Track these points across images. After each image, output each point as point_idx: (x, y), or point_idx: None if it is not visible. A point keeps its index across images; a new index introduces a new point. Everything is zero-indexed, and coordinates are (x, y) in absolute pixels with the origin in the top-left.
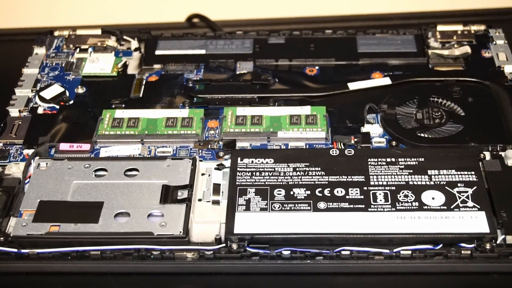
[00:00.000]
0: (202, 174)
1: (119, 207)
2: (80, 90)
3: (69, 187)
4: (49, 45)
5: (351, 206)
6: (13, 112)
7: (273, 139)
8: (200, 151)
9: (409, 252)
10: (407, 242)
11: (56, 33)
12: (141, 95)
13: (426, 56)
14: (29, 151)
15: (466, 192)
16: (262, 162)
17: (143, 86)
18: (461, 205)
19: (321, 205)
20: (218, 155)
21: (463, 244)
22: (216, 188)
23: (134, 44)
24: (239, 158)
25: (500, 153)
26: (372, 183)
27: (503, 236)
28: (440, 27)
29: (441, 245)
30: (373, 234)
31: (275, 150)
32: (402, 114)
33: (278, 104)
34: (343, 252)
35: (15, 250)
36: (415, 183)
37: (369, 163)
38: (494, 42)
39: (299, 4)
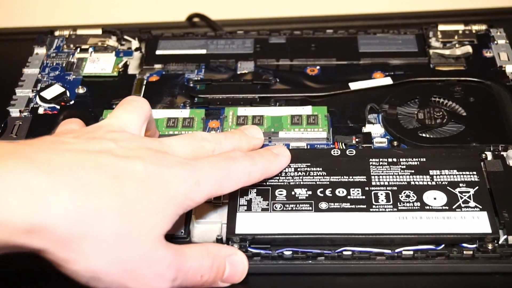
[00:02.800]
0: None
1: None
2: (81, 90)
3: None
4: (49, 45)
5: (353, 206)
6: (14, 112)
7: (274, 139)
8: None
9: (411, 252)
10: (409, 243)
11: (56, 33)
12: (141, 95)
13: (428, 56)
14: None
15: (468, 192)
16: None
17: (144, 86)
18: (463, 205)
19: (323, 205)
20: None
21: (465, 245)
22: None
23: (134, 44)
24: None
25: (501, 153)
26: (373, 183)
27: (505, 236)
28: (441, 27)
29: (443, 246)
30: (375, 235)
31: None
32: (403, 114)
33: (279, 104)
34: (344, 253)
35: None
36: (416, 183)
37: (371, 163)
38: (496, 42)
39: (300, 4)
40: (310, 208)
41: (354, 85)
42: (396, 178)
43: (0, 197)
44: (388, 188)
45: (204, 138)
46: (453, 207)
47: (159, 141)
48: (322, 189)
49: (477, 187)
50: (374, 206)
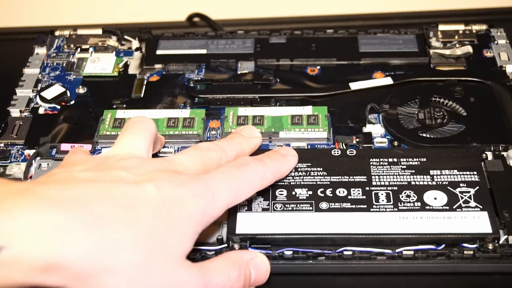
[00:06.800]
0: None
1: None
2: (81, 90)
3: None
4: (50, 45)
5: (353, 206)
6: (14, 112)
7: (274, 139)
8: None
9: (412, 252)
10: (410, 242)
11: (57, 33)
12: (142, 95)
13: (428, 55)
14: (30, 152)
15: (469, 192)
16: None
17: (144, 86)
18: (463, 205)
19: (323, 205)
20: None
21: (465, 244)
22: None
23: (135, 43)
24: None
25: (502, 153)
26: (374, 183)
27: (506, 236)
28: (442, 27)
29: (443, 245)
30: (375, 235)
31: None
32: (404, 114)
33: (279, 104)
34: (345, 252)
35: None
36: (417, 183)
37: (371, 163)
38: (496, 42)
39: (301, 4)
40: (311, 208)
41: (354, 85)
42: (397, 178)
43: (14, 236)
44: (388, 188)
45: (210, 148)
46: (454, 207)
47: (168, 160)
48: (322, 189)
49: (477, 187)
50: (374, 206)
